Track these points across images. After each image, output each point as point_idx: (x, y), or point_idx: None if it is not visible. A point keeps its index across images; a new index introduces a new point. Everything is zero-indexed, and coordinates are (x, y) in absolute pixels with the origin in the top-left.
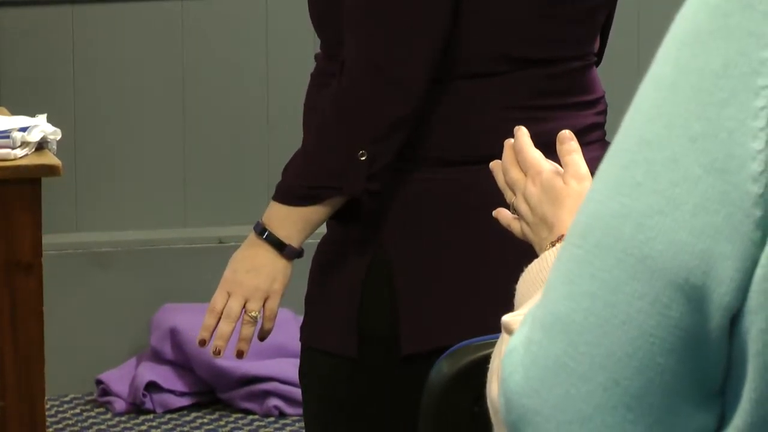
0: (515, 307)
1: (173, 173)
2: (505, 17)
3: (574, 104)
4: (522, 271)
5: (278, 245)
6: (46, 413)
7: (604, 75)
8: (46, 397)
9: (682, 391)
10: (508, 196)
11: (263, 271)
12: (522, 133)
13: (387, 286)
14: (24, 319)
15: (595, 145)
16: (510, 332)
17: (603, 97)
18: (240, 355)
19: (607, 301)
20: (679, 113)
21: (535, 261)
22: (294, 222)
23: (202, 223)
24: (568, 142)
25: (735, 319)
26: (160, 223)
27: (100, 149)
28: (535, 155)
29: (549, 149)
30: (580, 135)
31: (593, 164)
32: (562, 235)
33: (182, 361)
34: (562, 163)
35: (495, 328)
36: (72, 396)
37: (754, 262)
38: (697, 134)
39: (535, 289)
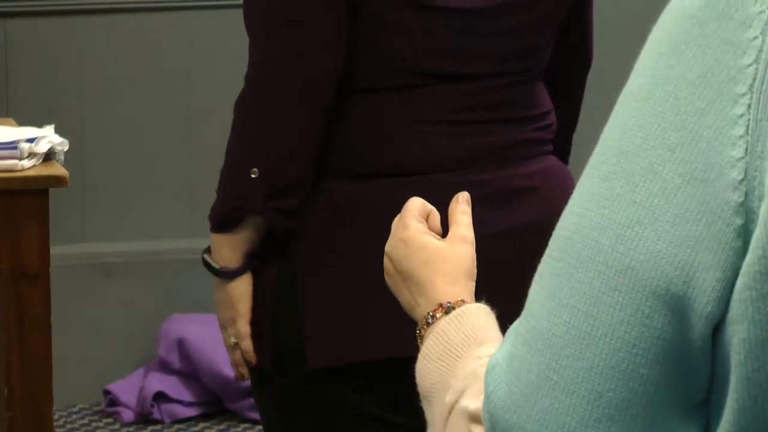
0: (425, 387)
1: (180, 184)
2: (416, 31)
3: (503, 119)
4: None
5: (216, 272)
6: (54, 423)
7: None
8: (53, 408)
9: (666, 401)
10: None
11: (221, 300)
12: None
13: (294, 300)
14: (31, 330)
15: (533, 160)
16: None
17: (549, 112)
18: (239, 378)
19: (588, 313)
20: (656, 123)
21: (433, 335)
22: (227, 247)
23: (208, 234)
24: (463, 203)
25: (717, 328)
26: (166, 233)
27: (107, 160)
28: (412, 210)
29: (466, 164)
30: (507, 150)
31: (526, 179)
32: (441, 305)
33: (190, 372)
34: (450, 222)
35: (400, 344)
36: (80, 406)
37: (735, 272)
38: (675, 144)
39: (449, 367)
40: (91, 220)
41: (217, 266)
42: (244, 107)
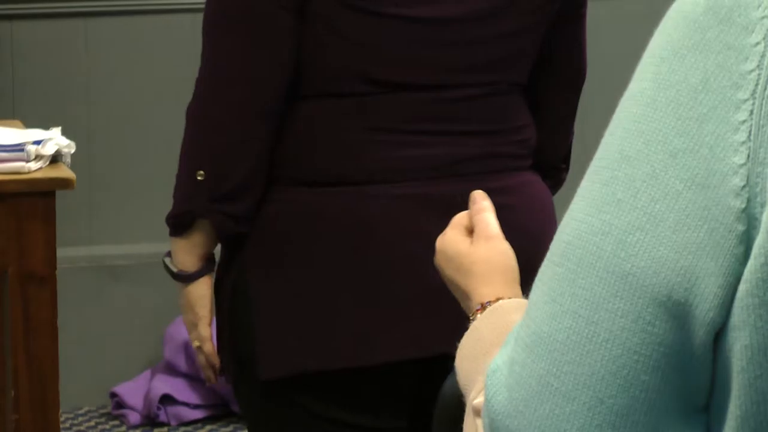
0: (462, 386)
1: None
2: (369, 39)
3: (461, 132)
4: (374, 293)
5: (174, 276)
6: (61, 426)
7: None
8: (60, 410)
9: (667, 408)
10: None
11: (182, 303)
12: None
13: (248, 309)
14: (38, 332)
15: (498, 175)
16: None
17: (523, 127)
18: (207, 381)
19: (589, 320)
20: (658, 129)
21: (467, 334)
22: (182, 250)
23: None
24: (479, 202)
25: (719, 335)
26: None
27: (114, 162)
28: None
29: (419, 176)
30: (465, 164)
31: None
32: (482, 305)
33: (196, 374)
34: (473, 224)
35: (353, 353)
36: (86, 409)
37: (737, 278)
38: (677, 149)
39: (478, 364)
40: (98, 222)
41: (175, 270)
42: (191, 110)
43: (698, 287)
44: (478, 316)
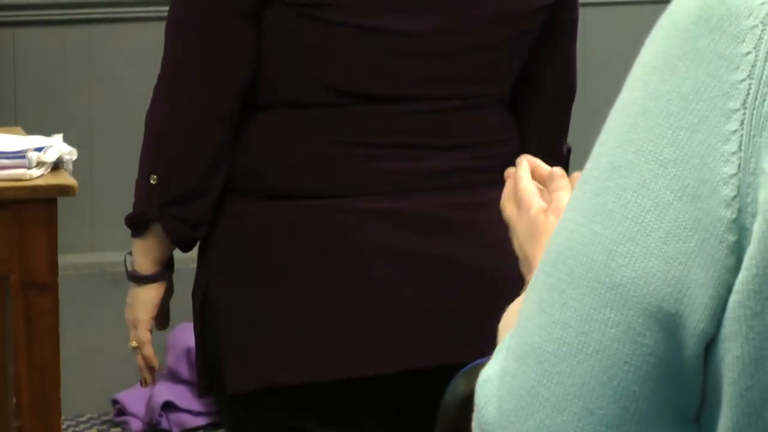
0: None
1: None
2: (334, 49)
3: (435, 146)
4: (344, 307)
5: (127, 274)
6: None
7: None
8: (62, 417)
9: (657, 418)
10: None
11: (129, 303)
12: (522, 164)
13: (215, 323)
14: (40, 339)
15: (470, 190)
16: None
17: (503, 141)
18: (142, 383)
19: (579, 330)
20: (649, 138)
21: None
22: (138, 252)
23: None
24: (558, 179)
25: (710, 346)
26: None
27: (116, 169)
28: (528, 189)
29: (382, 189)
30: (440, 177)
31: (457, 210)
32: None
33: None
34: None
35: (318, 368)
36: (88, 416)
37: (728, 289)
38: (667, 159)
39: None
40: (100, 229)
41: (129, 268)
42: (148, 115)
43: (689, 298)
44: None
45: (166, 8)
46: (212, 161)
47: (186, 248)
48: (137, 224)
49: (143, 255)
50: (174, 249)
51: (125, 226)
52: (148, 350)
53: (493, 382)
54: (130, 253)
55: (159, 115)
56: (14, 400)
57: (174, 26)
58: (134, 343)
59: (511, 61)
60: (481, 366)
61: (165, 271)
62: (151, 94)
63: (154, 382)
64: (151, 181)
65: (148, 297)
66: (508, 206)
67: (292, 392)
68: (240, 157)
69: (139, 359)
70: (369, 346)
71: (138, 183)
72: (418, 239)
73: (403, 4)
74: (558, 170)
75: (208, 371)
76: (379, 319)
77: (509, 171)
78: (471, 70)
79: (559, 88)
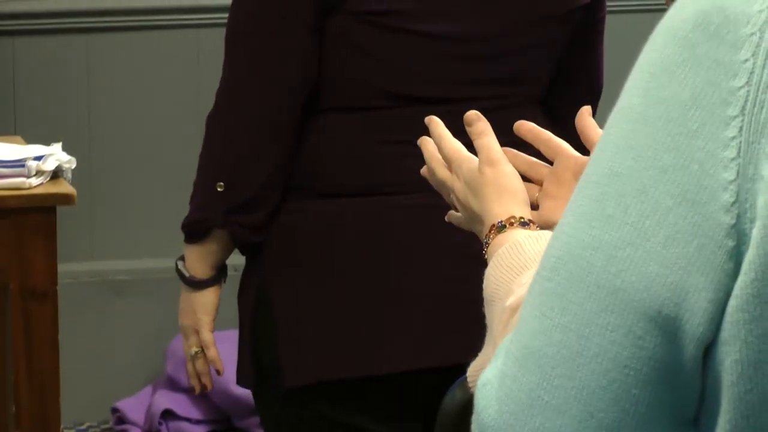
0: (489, 293)
1: (188, 201)
2: (387, 53)
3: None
4: (393, 303)
5: (185, 281)
6: None
7: None
8: (61, 425)
9: (657, 421)
10: (444, 195)
11: (183, 308)
12: (435, 123)
13: (271, 318)
14: (39, 347)
15: None
16: None
17: None
18: (204, 389)
19: (580, 334)
20: (648, 145)
21: (500, 249)
22: (195, 258)
23: None
24: (475, 123)
25: (709, 349)
26: (175, 251)
27: (115, 177)
28: (454, 146)
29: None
30: None
31: None
32: (493, 225)
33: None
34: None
35: (375, 361)
36: (88, 424)
37: (727, 293)
38: (667, 165)
39: (515, 275)
40: (99, 237)
41: (187, 275)
42: (210, 122)
43: (688, 302)
44: (491, 236)
45: (165, 18)
46: (276, 168)
47: (246, 252)
48: (197, 231)
49: (201, 261)
50: (231, 252)
51: (124, 235)
52: (214, 352)
53: (492, 385)
54: (181, 259)
55: (224, 124)
56: (14, 409)
57: (238, 35)
58: (195, 348)
59: (549, 61)
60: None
61: (220, 273)
62: (149, 104)
63: (212, 387)
64: (218, 189)
65: (208, 300)
66: (438, 168)
67: (341, 387)
68: (296, 157)
69: (200, 364)
70: (424, 339)
71: (198, 190)
72: (468, 235)
73: (456, 9)
74: (472, 113)
75: (257, 367)
76: (429, 314)
77: (423, 139)
78: (514, 70)
79: (588, 85)
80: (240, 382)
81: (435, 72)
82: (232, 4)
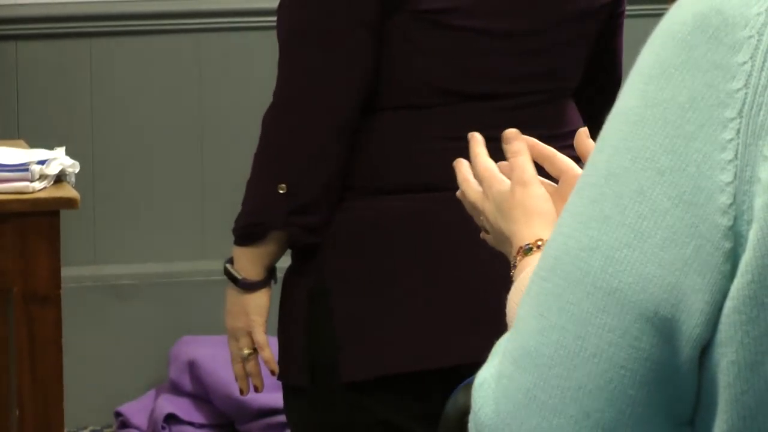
0: (509, 323)
1: (191, 205)
2: (439, 50)
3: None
4: (449, 298)
5: (235, 281)
6: None
7: None
8: (65, 430)
9: (653, 422)
10: (475, 217)
11: (233, 310)
12: (475, 140)
13: (327, 315)
14: (42, 351)
15: None
16: None
17: (575, 131)
18: (255, 390)
19: (576, 334)
20: (646, 146)
21: (514, 284)
22: (248, 260)
23: (220, 255)
24: (512, 141)
25: (705, 350)
26: (178, 255)
27: (119, 182)
28: (486, 165)
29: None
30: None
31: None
32: (521, 248)
33: (201, 394)
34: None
35: (432, 356)
36: (91, 428)
37: (723, 295)
38: (664, 167)
39: None
40: (102, 241)
41: (239, 277)
42: (270, 123)
43: (685, 303)
44: (518, 258)
45: (167, 22)
46: (336, 169)
47: (301, 253)
48: (254, 233)
49: (255, 262)
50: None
51: (127, 239)
52: (269, 353)
53: (489, 384)
54: (230, 261)
55: (283, 125)
56: (17, 413)
57: (296, 36)
58: (247, 350)
59: (584, 54)
60: None
61: (272, 273)
62: (152, 108)
63: (262, 388)
64: (279, 191)
65: (261, 302)
66: (468, 191)
67: (397, 383)
68: (354, 156)
69: (251, 366)
70: (473, 333)
71: (256, 192)
72: None
73: (505, 5)
74: (512, 131)
75: (308, 364)
76: (483, 308)
77: (457, 161)
78: (555, 65)
79: (611, 77)
80: (291, 380)
81: (486, 68)
82: (288, 3)
